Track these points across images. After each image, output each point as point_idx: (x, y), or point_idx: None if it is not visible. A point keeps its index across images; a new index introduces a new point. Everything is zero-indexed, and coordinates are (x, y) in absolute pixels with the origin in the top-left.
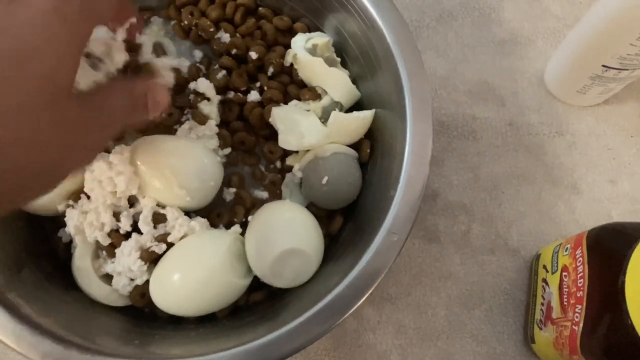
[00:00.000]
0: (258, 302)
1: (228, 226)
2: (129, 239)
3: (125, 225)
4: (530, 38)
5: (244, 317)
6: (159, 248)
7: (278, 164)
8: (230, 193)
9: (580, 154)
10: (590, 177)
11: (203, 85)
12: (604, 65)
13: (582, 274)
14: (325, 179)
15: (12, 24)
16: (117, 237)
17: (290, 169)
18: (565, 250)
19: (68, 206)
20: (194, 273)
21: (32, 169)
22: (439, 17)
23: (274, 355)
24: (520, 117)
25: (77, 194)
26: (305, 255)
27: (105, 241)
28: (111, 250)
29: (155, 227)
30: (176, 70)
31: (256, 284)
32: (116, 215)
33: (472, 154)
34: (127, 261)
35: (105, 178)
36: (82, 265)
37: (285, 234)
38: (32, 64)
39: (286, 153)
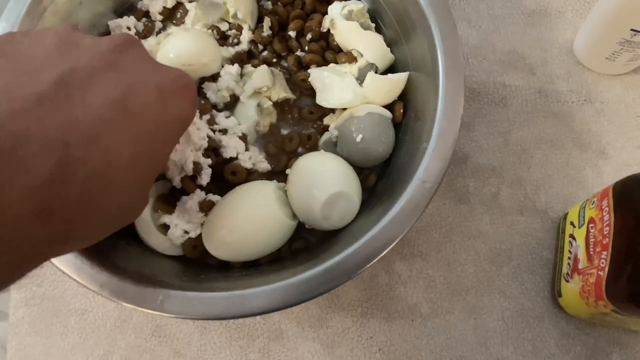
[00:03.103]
0: (299, 249)
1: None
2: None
3: (204, 178)
4: (560, 10)
5: (285, 264)
6: (215, 198)
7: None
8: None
9: (609, 121)
10: (618, 143)
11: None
12: (632, 29)
13: (607, 222)
14: (360, 136)
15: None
16: (189, 185)
17: (327, 128)
18: (592, 204)
19: None
20: (245, 216)
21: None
22: None
23: (312, 291)
24: (549, 85)
25: None
26: (350, 198)
27: (179, 185)
28: (166, 208)
29: None
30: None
31: (295, 235)
32: (196, 165)
33: (502, 120)
34: (187, 213)
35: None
36: (142, 215)
37: (330, 179)
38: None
39: (324, 114)
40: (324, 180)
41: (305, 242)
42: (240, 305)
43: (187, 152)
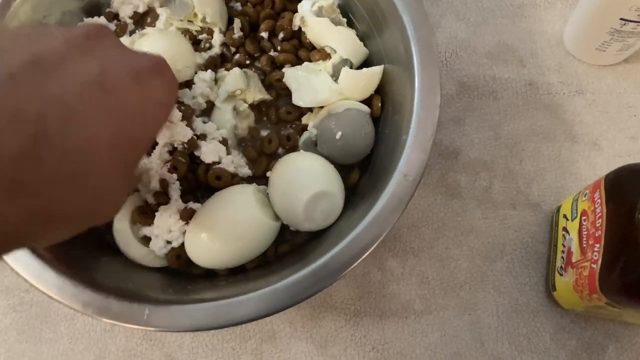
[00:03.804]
0: (285, 252)
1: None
2: (170, 203)
3: (174, 193)
4: (549, 1)
5: (272, 268)
6: (195, 205)
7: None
8: None
9: (601, 111)
10: (610, 134)
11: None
12: (622, 19)
13: (600, 214)
14: (339, 133)
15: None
16: (163, 199)
17: (305, 127)
18: (584, 196)
19: None
20: (226, 221)
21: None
22: None
23: (300, 294)
24: (540, 77)
25: None
26: (333, 196)
27: (151, 200)
28: (144, 219)
29: None
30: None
31: (280, 238)
32: (162, 182)
33: (493, 113)
34: (167, 223)
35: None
36: (121, 227)
37: (312, 178)
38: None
39: (302, 113)
40: (305, 181)
41: (291, 244)
42: (228, 314)
43: (152, 172)
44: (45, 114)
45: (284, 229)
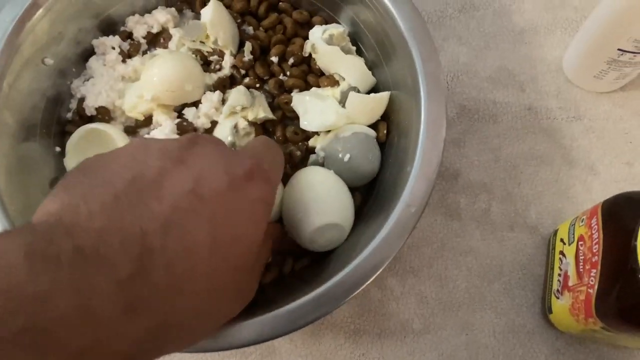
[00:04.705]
0: (305, 267)
1: None
2: None
3: None
4: (549, 28)
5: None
6: None
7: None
8: None
9: (598, 137)
10: (607, 160)
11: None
12: (619, 49)
13: (597, 240)
14: (348, 156)
15: (235, 208)
16: None
17: (313, 150)
18: (582, 222)
19: None
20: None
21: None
22: (461, 7)
23: (302, 319)
24: (539, 102)
25: None
26: (341, 229)
27: None
28: None
29: None
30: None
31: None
32: None
33: (493, 136)
34: None
35: None
36: None
37: (327, 205)
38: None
39: (309, 136)
40: (320, 207)
41: (310, 259)
42: (230, 337)
43: None
44: (147, 230)
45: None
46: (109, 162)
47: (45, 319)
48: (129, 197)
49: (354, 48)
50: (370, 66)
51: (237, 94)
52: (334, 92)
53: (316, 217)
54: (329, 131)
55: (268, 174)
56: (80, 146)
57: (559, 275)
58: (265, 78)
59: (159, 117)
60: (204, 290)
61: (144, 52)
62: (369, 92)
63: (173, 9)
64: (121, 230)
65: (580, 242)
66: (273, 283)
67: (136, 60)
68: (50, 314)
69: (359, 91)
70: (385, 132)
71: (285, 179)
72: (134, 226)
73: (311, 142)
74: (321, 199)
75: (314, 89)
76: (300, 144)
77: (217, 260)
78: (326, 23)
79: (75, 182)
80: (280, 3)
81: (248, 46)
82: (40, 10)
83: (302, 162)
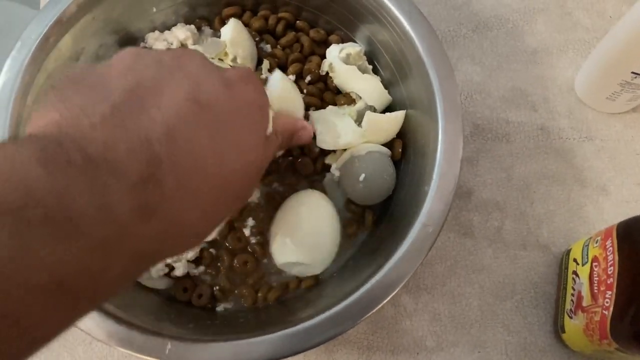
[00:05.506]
0: (310, 286)
1: None
2: None
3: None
4: (561, 49)
5: (289, 306)
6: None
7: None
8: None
9: (609, 157)
10: (618, 180)
11: None
12: (633, 72)
13: (612, 262)
14: (363, 175)
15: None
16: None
17: (328, 167)
18: (596, 242)
19: None
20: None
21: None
22: (475, 27)
23: (318, 337)
24: (551, 122)
25: None
26: (311, 267)
27: None
28: None
29: None
30: None
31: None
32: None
33: (505, 155)
34: None
35: None
36: None
37: (299, 244)
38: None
39: (324, 153)
40: (292, 244)
41: (315, 278)
42: (247, 353)
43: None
44: (151, 139)
45: None
46: (103, 73)
47: (67, 209)
48: (129, 107)
49: (370, 67)
50: (386, 85)
51: None
52: (350, 111)
53: (280, 255)
54: (344, 149)
55: (259, 81)
56: None
57: (572, 295)
58: None
59: None
60: (208, 194)
61: None
62: (384, 111)
63: (192, 26)
64: (126, 139)
65: (594, 263)
66: (278, 302)
67: None
68: (71, 207)
69: (375, 110)
70: (400, 150)
71: (288, 194)
72: (139, 135)
73: (327, 160)
74: (298, 235)
75: (330, 106)
76: (316, 159)
77: (220, 164)
78: (343, 42)
79: (69, 94)
80: (298, 22)
81: (266, 64)
82: (64, 27)
83: (316, 177)
